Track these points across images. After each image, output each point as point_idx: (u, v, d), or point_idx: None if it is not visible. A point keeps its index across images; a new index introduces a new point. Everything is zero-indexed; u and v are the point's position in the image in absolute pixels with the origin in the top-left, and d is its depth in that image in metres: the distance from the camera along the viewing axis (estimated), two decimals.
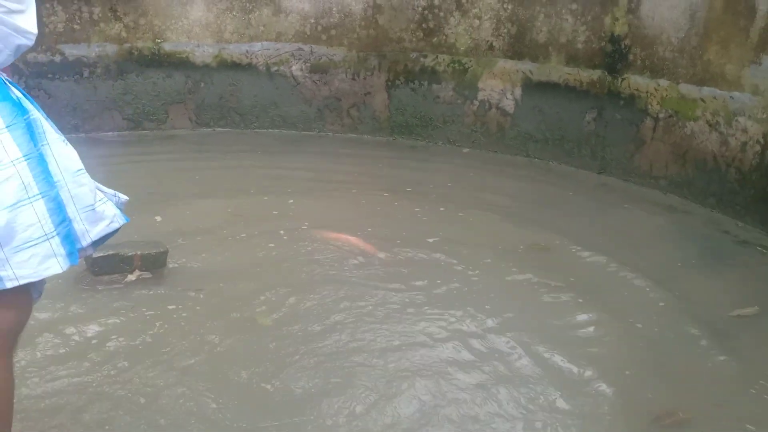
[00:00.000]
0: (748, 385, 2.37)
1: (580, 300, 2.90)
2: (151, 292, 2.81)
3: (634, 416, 2.19)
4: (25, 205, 1.38)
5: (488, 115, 5.13)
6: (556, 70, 4.79)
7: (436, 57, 5.25)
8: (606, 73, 4.55)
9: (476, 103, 5.16)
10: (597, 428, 2.13)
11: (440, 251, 3.32)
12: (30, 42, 1.46)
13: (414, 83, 5.33)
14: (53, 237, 1.42)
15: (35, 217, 1.39)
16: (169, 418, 2.06)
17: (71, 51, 5.16)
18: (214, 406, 2.11)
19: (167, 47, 5.35)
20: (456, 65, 5.20)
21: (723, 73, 3.84)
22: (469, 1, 5.04)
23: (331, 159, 4.87)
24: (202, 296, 2.80)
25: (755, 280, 3.19)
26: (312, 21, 5.35)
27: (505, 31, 4.96)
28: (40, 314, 2.54)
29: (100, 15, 5.17)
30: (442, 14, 5.15)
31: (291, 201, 3.94)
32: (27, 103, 1.49)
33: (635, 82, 4.38)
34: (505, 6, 4.91)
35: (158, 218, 3.56)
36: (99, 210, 1.56)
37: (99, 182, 1.65)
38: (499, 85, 5.05)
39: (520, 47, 4.94)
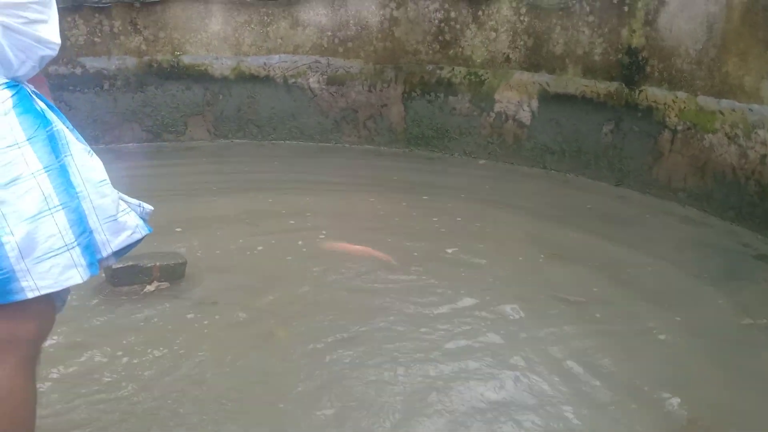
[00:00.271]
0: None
1: (598, 315, 2.88)
2: (170, 304, 2.82)
3: (662, 424, 2.17)
4: (46, 216, 1.39)
5: (505, 127, 5.13)
6: (573, 82, 4.78)
7: (453, 69, 5.26)
8: (623, 85, 4.54)
9: (492, 114, 5.16)
10: None
11: (460, 262, 3.32)
12: (54, 52, 1.47)
13: (430, 95, 5.35)
14: (74, 248, 1.43)
15: (56, 228, 1.40)
16: None
17: (92, 64, 5.24)
18: (234, 428, 2.10)
19: (186, 60, 5.41)
20: (472, 77, 5.21)
21: (742, 85, 3.82)
22: (485, 14, 5.06)
23: (348, 170, 4.90)
24: (219, 308, 2.81)
25: None
26: (329, 34, 5.39)
27: (522, 43, 4.97)
28: (59, 325, 2.57)
29: (121, 28, 5.25)
30: (458, 27, 5.17)
31: (308, 212, 3.96)
32: (51, 115, 1.51)
33: (653, 94, 4.36)
34: (521, 18, 4.92)
35: (178, 229, 3.59)
36: (121, 220, 1.57)
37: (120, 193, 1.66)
38: (515, 97, 5.05)
39: (536, 59, 4.94)
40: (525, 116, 5.04)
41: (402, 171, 4.94)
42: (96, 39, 5.21)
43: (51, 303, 1.51)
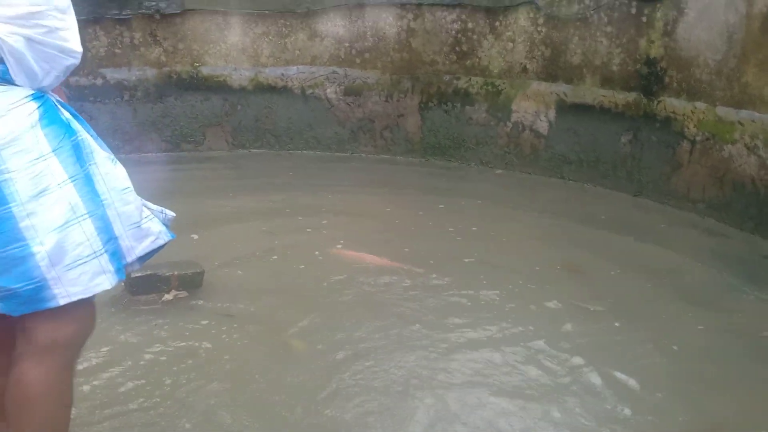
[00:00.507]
0: None
1: (617, 324, 2.87)
2: (187, 313, 2.84)
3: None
4: (74, 225, 1.43)
5: (522, 137, 5.12)
6: (591, 92, 4.77)
7: (469, 79, 5.27)
8: (642, 95, 4.51)
9: (509, 124, 5.16)
10: None
11: (478, 271, 3.31)
12: (77, 61, 1.50)
13: (447, 105, 5.36)
14: (102, 255, 1.47)
15: (84, 236, 1.44)
16: None
17: (112, 75, 5.31)
18: None
19: (205, 71, 5.47)
20: (489, 87, 5.21)
21: (761, 95, 3.79)
22: (502, 24, 5.07)
23: (364, 180, 4.91)
24: (236, 318, 2.82)
25: None
26: (347, 45, 5.43)
27: (539, 53, 4.97)
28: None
29: (141, 40, 5.32)
30: (475, 37, 5.18)
31: (325, 221, 3.98)
32: (76, 124, 1.54)
33: (671, 104, 4.34)
34: (538, 29, 4.92)
35: (195, 236, 3.62)
36: (145, 227, 1.61)
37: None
38: (532, 107, 5.05)
39: (554, 69, 4.93)
40: (542, 126, 5.03)
41: (418, 180, 4.95)
42: (117, 50, 5.28)
43: (89, 307, 1.55)
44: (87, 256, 1.44)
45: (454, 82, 5.32)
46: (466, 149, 5.36)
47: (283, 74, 5.52)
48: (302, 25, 5.42)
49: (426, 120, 5.44)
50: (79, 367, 2.41)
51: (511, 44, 5.07)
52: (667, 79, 4.36)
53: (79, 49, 1.50)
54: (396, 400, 2.29)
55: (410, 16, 5.28)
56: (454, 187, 4.79)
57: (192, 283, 3.02)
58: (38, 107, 1.45)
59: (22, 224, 1.37)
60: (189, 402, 2.24)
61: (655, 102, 4.43)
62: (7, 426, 1.63)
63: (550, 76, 4.96)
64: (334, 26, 5.40)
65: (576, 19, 4.74)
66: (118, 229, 1.55)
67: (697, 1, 4.11)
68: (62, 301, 1.42)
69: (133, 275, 2.81)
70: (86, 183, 1.49)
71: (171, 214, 1.73)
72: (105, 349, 2.52)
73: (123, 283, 2.92)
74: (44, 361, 1.47)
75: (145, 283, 2.93)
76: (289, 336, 2.69)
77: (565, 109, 4.91)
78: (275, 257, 3.45)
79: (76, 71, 1.84)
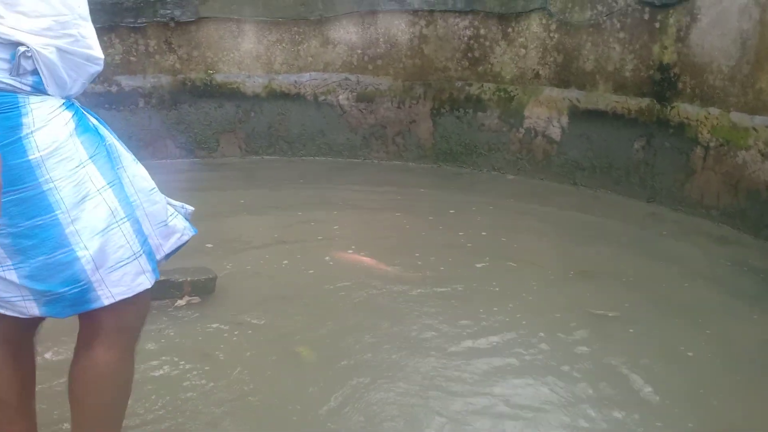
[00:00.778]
0: None
1: (631, 330, 2.85)
2: (198, 321, 2.86)
3: None
4: (114, 228, 1.48)
5: (534, 143, 5.12)
6: (604, 98, 4.75)
7: (482, 85, 5.27)
8: (655, 101, 4.50)
9: (522, 130, 5.15)
10: None
11: (489, 277, 3.32)
12: (100, 67, 1.54)
13: (459, 111, 5.36)
14: (140, 255, 1.53)
15: (124, 238, 1.50)
16: None
17: (127, 82, 5.37)
18: None
19: (219, 78, 5.51)
20: (501, 93, 5.21)
21: None
22: (515, 31, 5.07)
23: (376, 185, 4.93)
24: (248, 325, 2.84)
25: None
26: (359, 51, 5.45)
27: (552, 59, 4.97)
28: None
29: (156, 47, 5.37)
30: (487, 43, 5.18)
31: (336, 227, 4.00)
32: (103, 130, 1.59)
33: (685, 110, 4.32)
34: (551, 35, 4.92)
35: (209, 244, 3.64)
36: (171, 224, 1.67)
37: None
38: (545, 113, 5.04)
39: (566, 75, 4.93)
40: (555, 132, 5.02)
41: (429, 186, 4.96)
42: (132, 58, 5.34)
43: (145, 291, 1.60)
44: (128, 258, 1.50)
45: (467, 88, 5.33)
46: (478, 155, 5.36)
47: (296, 81, 5.55)
48: (315, 32, 5.45)
49: (438, 126, 5.45)
50: None
51: (523, 50, 5.07)
52: (680, 85, 4.34)
53: (102, 55, 1.54)
54: (408, 410, 2.29)
55: (422, 22, 5.30)
56: (466, 193, 4.79)
57: (205, 288, 3.04)
58: (73, 115, 1.48)
59: (67, 230, 1.42)
60: (196, 409, 2.26)
61: (669, 108, 4.41)
62: (27, 427, 1.68)
63: (563, 82, 4.95)
64: (346, 33, 5.43)
65: (589, 25, 4.73)
66: (147, 228, 1.60)
67: (711, 7, 4.09)
68: (106, 302, 1.49)
69: None
70: (121, 187, 1.54)
71: (190, 208, 1.80)
72: None
73: None
74: (114, 345, 1.56)
75: (158, 289, 2.89)
76: (299, 343, 2.70)
77: (577, 115, 4.90)
78: (287, 263, 3.47)
79: None
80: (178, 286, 2.98)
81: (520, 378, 2.48)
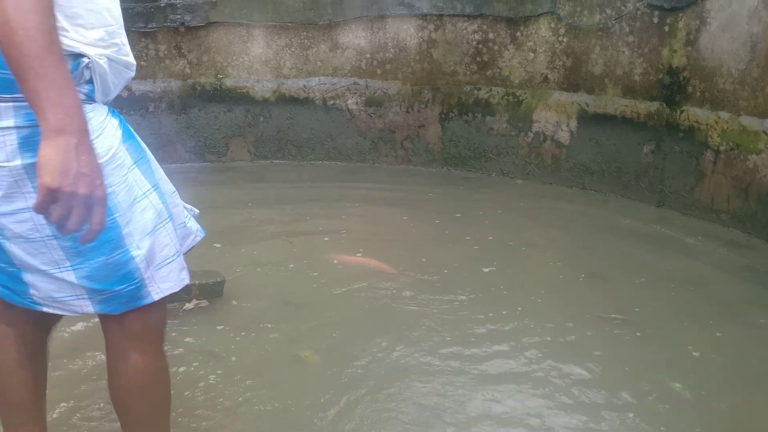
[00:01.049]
0: None
1: (638, 334, 2.84)
2: (206, 324, 2.87)
3: None
4: (161, 228, 1.55)
5: (543, 147, 5.11)
6: (613, 102, 4.75)
7: (490, 89, 5.28)
8: (664, 105, 4.48)
9: (530, 134, 5.15)
10: None
11: (498, 281, 3.31)
12: (133, 73, 1.58)
13: (467, 115, 5.36)
14: (181, 253, 1.63)
15: (169, 237, 1.57)
16: None
17: (138, 87, 5.40)
18: None
19: (228, 83, 5.54)
20: (510, 97, 5.21)
21: None
22: (523, 35, 5.07)
23: (384, 189, 4.93)
24: (255, 329, 2.85)
25: None
26: (368, 56, 5.46)
27: (560, 63, 4.96)
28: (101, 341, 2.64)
29: (166, 52, 5.41)
30: (496, 48, 5.19)
31: (343, 231, 4.01)
32: (136, 135, 1.63)
33: (694, 114, 4.30)
34: (560, 39, 4.92)
35: (217, 245, 3.66)
36: (188, 226, 1.73)
37: None
38: (554, 117, 5.04)
39: (575, 79, 4.92)
40: (563, 136, 5.01)
41: (437, 190, 4.96)
42: (142, 63, 5.38)
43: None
44: (173, 255, 1.58)
45: (475, 92, 5.33)
46: (486, 159, 5.36)
47: (305, 86, 5.57)
48: (324, 36, 5.47)
49: (446, 130, 5.45)
50: (95, 372, 2.45)
51: (532, 54, 5.07)
52: (690, 89, 4.33)
53: (134, 61, 1.58)
54: (415, 417, 2.29)
55: (431, 26, 5.31)
56: (474, 197, 4.79)
57: (213, 292, 3.06)
58: (119, 122, 1.53)
59: (124, 232, 1.47)
60: (202, 411, 2.26)
61: (678, 112, 4.40)
62: (39, 427, 1.72)
63: (572, 86, 4.95)
64: (355, 38, 5.45)
65: (598, 29, 4.73)
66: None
67: (720, 11, 4.08)
68: (156, 297, 1.56)
69: None
70: (161, 190, 1.60)
71: (196, 210, 1.85)
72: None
73: None
74: (146, 349, 1.61)
75: None
76: (305, 348, 2.69)
77: (586, 119, 4.89)
78: (295, 266, 3.48)
79: None
80: (186, 289, 2.96)
81: (529, 382, 2.47)
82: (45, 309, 1.53)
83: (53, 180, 1.19)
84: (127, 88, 5.36)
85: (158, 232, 1.54)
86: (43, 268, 1.45)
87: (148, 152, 1.63)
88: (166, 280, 1.57)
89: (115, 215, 1.45)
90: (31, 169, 1.32)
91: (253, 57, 5.52)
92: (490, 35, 5.18)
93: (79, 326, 2.77)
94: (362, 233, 3.99)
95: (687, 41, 4.31)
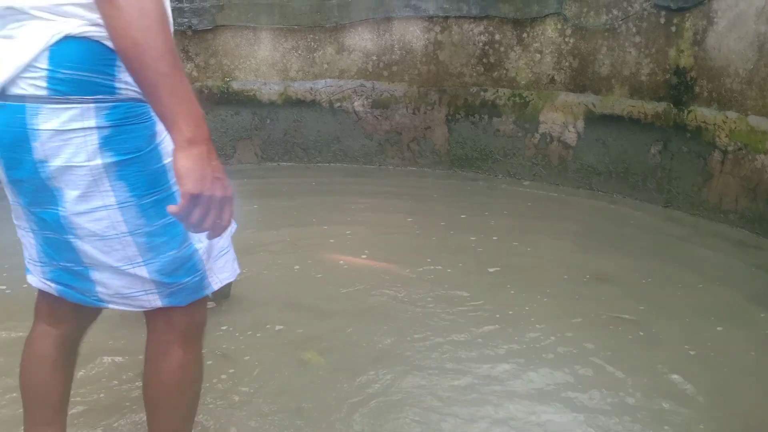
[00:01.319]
0: None
1: (645, 333, 2.83)
2: (212, 326, 2.87)
3: None
4: None
5: (549, 148, 5.10)
6: (620, 103, 4.73)
7: (497, 91, 5.27)
8: (671, 105, 4.47)
9: (537, 136, 5.14)
10: None
11: (503, 282, 3.30)
12: None
13: (474, 117, 5.36)
14: (232, 245, 1.71)
15: None
16: None
17: None
18: None
19: (235, 85, 5.56)
20: (516, 99, 5.21)
21: None
22: (530, 36, 5.06)
23: (390, 191, 4.94)
24: (262, 330, 2.86)
25: None
26: (374, 58, 5.47)
27: (567, 64, 4.95)
28: (107, 342, 2.66)
29: None
30: (502, 49, 5.18)
31: (349, 232, 4.01)
32: None
33: (702, 114, 4.28)
34: (566, 40, 4.91)
35: None
36: None
37: None
38: (560, 118, 5.03)
39: (582, 80, 4.91)
40: (570, 137, 5.00)
41: (444, 192, 4.96)
42: None
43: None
44: (226, 247, 1.67)
45: (482, 93, 5.33)
46: (493, 161, 5.35)
47: (311, 88, 5.59)
48: (330, 39, 5.48)
49: (453, 132, 5.45)
50: (101, 371, 2.47)
51: (538, 55, 5.06)
52: (697, 89, 4.31)
53: None
54: (420, 417, 2.28)
55: (437, 28, 5.31)
56: (480, 198, 4.79)
57: (220, 293, 3.06)
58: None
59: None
60: (206, 414, 2.27)
61: (686, 112, 4.38)
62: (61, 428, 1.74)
63: (579, 86, 4.94)
64: (361, 40, 5.46)
65: (604, 30, 4.72)
66: None
67: (727, 10, 4.06)
68: (216, 287, 1.63)
69: None
70: None
71: None
72: (127, 356, 2.57)
73: None
74: (189, 345, 1.64)
75: None
76: (309, 350, 2.69)
77: (593, 119, 4.88)
78: (301, 267, 3.49)
79: None
80: None
81: (536, 382, 2.47)
82: (111, 306, 1.58)
83: (195, 187, 1.25)
84: None
85: None
86: (116, 264, 1.48)
87: None
88: (223, 270, 1.65)
89: None
90: (110, 169, 1.38)
91: (260, 60, 5.54)
92: (497, 37, 5.18)
93: None
94: (368, 235, 3.99)
95: (694, 41, 4.29)
